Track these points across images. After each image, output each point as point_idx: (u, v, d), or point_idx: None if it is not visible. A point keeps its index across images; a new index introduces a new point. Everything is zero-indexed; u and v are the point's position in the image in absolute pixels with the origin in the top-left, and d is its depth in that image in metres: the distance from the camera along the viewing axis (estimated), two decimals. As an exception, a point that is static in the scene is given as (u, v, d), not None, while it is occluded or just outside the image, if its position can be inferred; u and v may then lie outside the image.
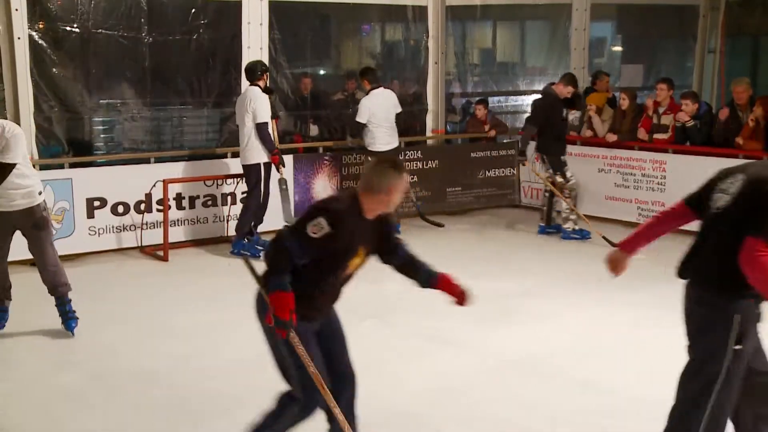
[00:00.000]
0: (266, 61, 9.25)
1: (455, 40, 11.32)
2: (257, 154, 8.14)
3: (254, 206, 8.24)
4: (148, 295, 7.16)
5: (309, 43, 10.36)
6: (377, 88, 9.15)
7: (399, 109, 9.32)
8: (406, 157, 10.31)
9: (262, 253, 8.16)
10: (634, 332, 6.19)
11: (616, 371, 5.42)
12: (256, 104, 8.10)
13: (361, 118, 9.15)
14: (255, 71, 8.25)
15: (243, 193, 9.11)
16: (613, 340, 6.03)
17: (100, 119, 8.92)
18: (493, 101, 11.84)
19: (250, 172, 8.23)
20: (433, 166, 10.60)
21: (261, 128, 8.06)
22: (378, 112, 9.11)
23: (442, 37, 10.80)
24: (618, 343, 5.96)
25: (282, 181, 8.22)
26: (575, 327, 6.33)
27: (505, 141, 11.32)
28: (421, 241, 9.10)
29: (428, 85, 10.90)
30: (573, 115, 10.51)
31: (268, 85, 8.40)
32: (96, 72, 8.84)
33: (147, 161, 8.86)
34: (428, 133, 11.02)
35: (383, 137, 9.15)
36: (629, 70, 13.03)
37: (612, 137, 9.98)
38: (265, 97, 8.19)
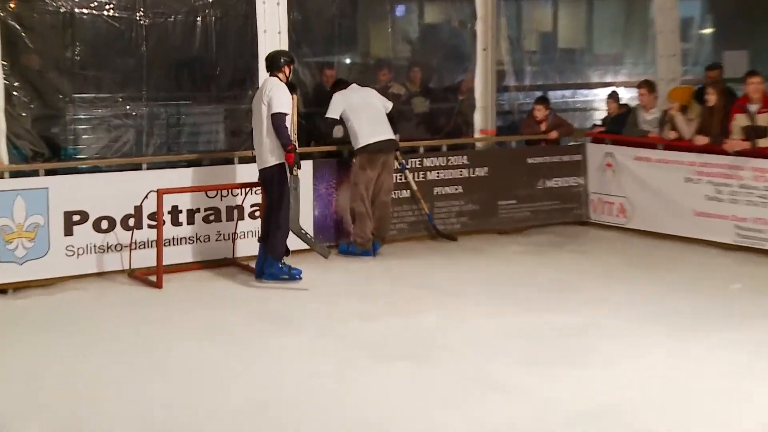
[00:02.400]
0: (286, 45, 9.29)
1: (508, 22, 11.30)
2: (280, 153, 8.17)
3: (286, 217, 8.24)
4: (138, 329, 7.16)
5: (334, 26, 10.39)
6: (349, 85, 9.50)
7: (388, 105, 9.50)
8: (449, 163, 10.29)
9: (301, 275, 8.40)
10: (735, 381, 6.03)
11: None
12: (273, 93, 8.16)
13: (332, 114, 9.32)
14: (277, 61, 8.34)
15: (253, 206, 9.14)
16: (707, 392, 5.86)
17: (84, 116, 8.95)
18: (555, 96, 11.78)
19: (273, 177, 8.25)
20: (482, 174, 10.55)
21: (277, 118, 8.10)
22: (355, 104, 9.31)
23: (492, 18, 10.78)
24: (714, 396, 5.79)
25: (293, 179, 8.19)
26: (656, 372, 6.20)
27: (570, 144, 11.22)
28: (462, 266, 9.09)
29: (476, 76, 10.86)
30: (651, 115, 10.42)
31: (290, 79, 8.42)
32: (80, 60, 8.89)
33: (138, 167, 8.89)
34: (476, 135, 10.98)
35: (367, 127, 9.26)
36: (732, 57, 12.79)
37: (702, 140, 9.85)
38: (286, 88, 8.25)
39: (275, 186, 8.29)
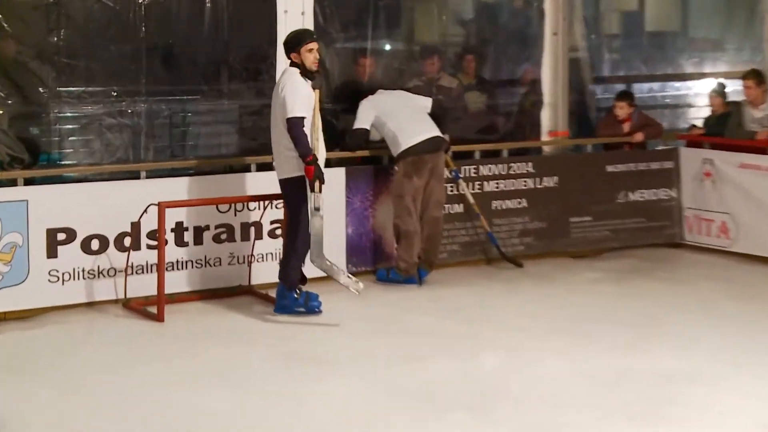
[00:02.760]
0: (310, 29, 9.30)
1: (584, 1, 11.25)
2: (300, 163, 8.16)
3: (303, 239, 8.22)
4: (134, 371, 7.15)
5: (370, 5, 10.38)
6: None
7: (427, 102, 9.60)
8: (511, 172, 10.26)
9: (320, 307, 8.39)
10: None
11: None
12: (287, 90, 8.15)
13: (361, 123, 9.40)
14: (290, 42, 8.35)
15: (273, 223, 9.14)
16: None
17: (71, 114, 9.02)
18: (640, 90, 11.71)
19: (291, 190, 8.26)
20: (551, 185, 10.53)
21: (292, 124, 8.08)
22: (388, 106, 9.40)
23: (564, -5, 10.82)
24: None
25: (315, 198, 8.08)
26: None
27: (659, 148, 11.14)
28: (526, 297, 9.09)
29: (543, 66, 10.85)
30: (761, 113, 10.34)
31: (311, 66, 8.27)
32: (66, 46, 8.93)
33: (136, 175, 8.92)
34: (544, 137, 10.92)
35: (408, 127, 9.29)
36: None
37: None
38: (303, 82, 8.20)
39: (293, 202, 8.29)
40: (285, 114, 8.11)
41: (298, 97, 8.12)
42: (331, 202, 9.14)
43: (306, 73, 8.23)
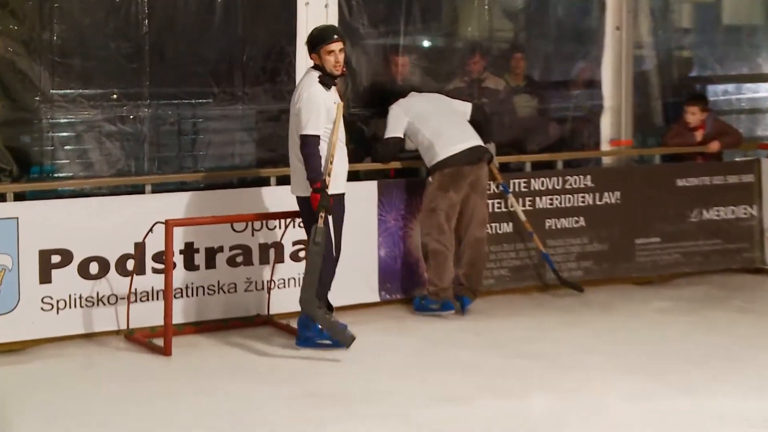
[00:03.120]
0: (334, 23, 9.40)
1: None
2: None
3: (327, 262, 8.28)
4: (138, 409, 7.17)
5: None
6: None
7: (466, 107, 9.64)
8: (566, 186, 10.27)
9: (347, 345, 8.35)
10: None
11: None
12: (303, 100, 8.18)
13: (393, 131, 9.41)
14: (311, 41, 8.38)
15: (296, 244, 9.21)
16: None
17: (66, 120, 9.08)
18: (714, 92, 11.70)
19: (308, 209, 8.29)
20: (613, 201, 10.55)
21: (305, 143, 8.12)
22: (422, 111, 9.40)
23: (629, -16, 10.87)
24: None
25: (318, 231, 8.13)
26: None
27: (737, 160, 11.12)
28: (585, 329, 9.09)
29: (604, 65, 10.85)
30: None
31: (327, 68, 8.29)
32: (62, 46, 9.01)
33: (140, 189, 8.99)
34: (604, 147, 10.92)
35: (445, 133, 9.30)
36: None
37: None
38: (323, 92, 8.22)
39: (310, 222, 8.28)
40: (298, 129, 8.19)
41: (314, 110, 8.15)
42: (362, 220, 9.26)
43: (325, 78, 8.28)
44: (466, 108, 9.68)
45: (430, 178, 9.44)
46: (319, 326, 8.30)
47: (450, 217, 9.35)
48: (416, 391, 7.51)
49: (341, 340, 8.22)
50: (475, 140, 9.42)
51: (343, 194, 8.43)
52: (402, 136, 9.49)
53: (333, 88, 8.36)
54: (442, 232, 9.33)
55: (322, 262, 8.19)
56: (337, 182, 8.28)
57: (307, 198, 8.24)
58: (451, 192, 9.31)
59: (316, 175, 8.10)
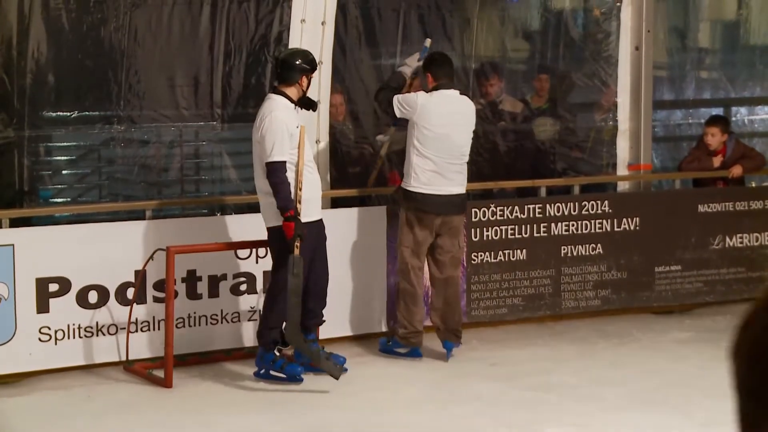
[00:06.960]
0: (330, 42, 9.35)
1: (670, 9, 11.22)
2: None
3: (282, 294, 8.24)
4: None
5: (411, 13, 10.38)
6: (448, 89, 9.04)
7: (471, 128, 9.10)
8: (583, 212, 10.19)
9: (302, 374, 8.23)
10: None
11: None
12: (266, 126, 8.09)
13: (401, 111, 8.90)
14: (290, 68, 8.24)
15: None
16: None
17: (62, 144, 9.08)
18: (735, 114, 11.67)
19: (276, 241, 8.26)
20: (631, 228, 10.48)
21: (272, 171, 8.04)
22: (432, 123, 8.81)
23: (648, 2, 10.76)
24: None
25: (295, 262, 8.06)
26: None
27: (762, 185, 11.05)
28: (602, 360, 9.10)
29: (620, 86, 10.83)
30: None
31: (306, 94, 8.32)
32: (51, 61, 9.00)
33: (140, 215, 8.94)
34: (621, 171, 10.90)
35: (429, 168, 8.83)
36: None
37: None
38: (288, 112, 8.15)
39: (278, 253, 8.28)
40: (264, 157, 8.11)
41: (278, 135, 8.07)
42: (370, 245, 9.23)
43: (301, 102, 8.31)
44: (467, 149, 9.13)
45: (401, 204, 9.09)
46: (272, 358, 8.31)
47: (417, 254, 9.02)
48: (426, 424, 7.53)
49: (328, 370, 8.16)
50: (459, 187, 9.01)
51: (319, 220, 8.39)
52: (399, 116, 8.95)
53: (298, 111, 8.31)
54: (407, 270, 9.04)
55: (283, 295, 8.20)
56: (310, 209, 8.23)
57: (279, 227, 8.14)
58: (417, 229, 8.98)
59: (287, 203, 8.06)
